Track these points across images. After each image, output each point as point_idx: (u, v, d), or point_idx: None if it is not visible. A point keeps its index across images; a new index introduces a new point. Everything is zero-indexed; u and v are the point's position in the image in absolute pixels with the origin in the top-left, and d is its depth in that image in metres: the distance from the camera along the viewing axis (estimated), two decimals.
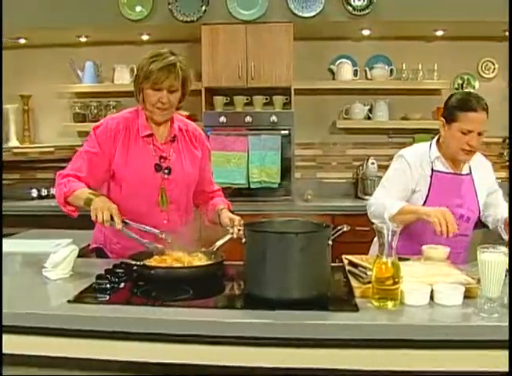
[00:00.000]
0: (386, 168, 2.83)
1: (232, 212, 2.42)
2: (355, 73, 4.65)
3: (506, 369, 1.59)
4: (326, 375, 1.64)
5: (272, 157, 4.25)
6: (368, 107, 4.66)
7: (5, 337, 1.66)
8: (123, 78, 4.72)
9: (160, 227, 2.30)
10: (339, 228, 1.84)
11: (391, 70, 4.64)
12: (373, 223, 2.07)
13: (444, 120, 2.55)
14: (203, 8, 4.21)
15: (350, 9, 4.14)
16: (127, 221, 2.19)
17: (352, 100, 4.67)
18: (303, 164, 4.86)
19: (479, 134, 2.46)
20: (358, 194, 4.68)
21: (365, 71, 4.69)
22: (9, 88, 4.77)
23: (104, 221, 2.13)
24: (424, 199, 2.54)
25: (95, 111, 4.82)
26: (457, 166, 2.61)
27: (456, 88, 4.74)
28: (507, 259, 1.65)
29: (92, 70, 4.74)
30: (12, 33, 4.44)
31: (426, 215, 2.32)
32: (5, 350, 1.67)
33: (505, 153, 4.69)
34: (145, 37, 4.61)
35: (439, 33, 4.48)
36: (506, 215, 2.56)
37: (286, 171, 4.30)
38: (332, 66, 4.72)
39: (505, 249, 1.66)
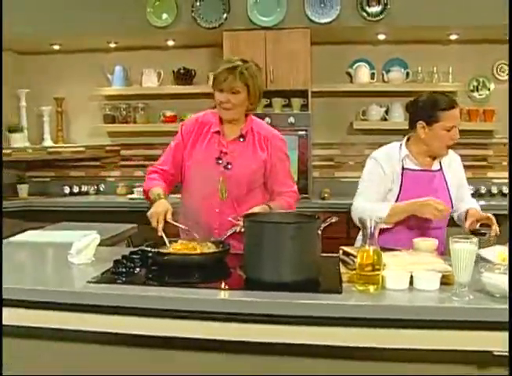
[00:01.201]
0: None
1: None
2: (372, 76, 4.81)
3: (473, 348, 1.78)
4: (312, 350, 1.85)
5: None
6: (384, 109, 4.81)
7: (31, 311, 1.93)
8: (150, 81, 4.96)
9: (212, 216, 2.59)
10: (328, 220, 2.04)
11: (407, 73, 4.78)
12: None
13: (423, 122, 2.66)
14: (225, 15, 4.44)
15: (365, 14, 4.31)
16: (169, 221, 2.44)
17: (369, 102, 4.82)
18: (321, 163, 5.05)
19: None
20: None
21: (382, 74, 4.85)
22: (44, 91, 5.09)
23: (154, 226, 2.41)
24: (396, 197, 2.67)
25: (124, 113, 5.08)
26: (427, 163, 2.73)
27: (472, 90, 4.86)
28: (476, 248, 1.83)
29: (122, 73, 5.00)
30: (47, 39, 4.74)
31: (419, 211, 2.49)
32: (31, 324, 1.95)
33: None
34: (170, 43, 4.86)
35: (453, 37, 4.60)
36: (468, 207, 2.71)
37: (303, 170, 4.49)
38: (350, 70, 4.89)
39: (475, 239, 1.84)
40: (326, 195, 4.65)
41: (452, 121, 2.61)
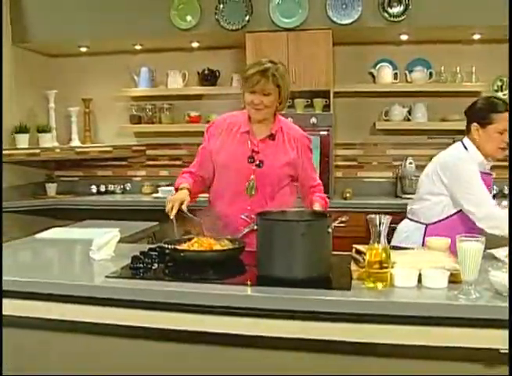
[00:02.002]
0: (424, 168, 3.07)
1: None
2: (395, 76, 4.81)
3: (479, 345, 1.80)
4: (321, 346, 1.89)
5: None
6: (407, 109, 4.82)
7: (49, 303, 2.03)
8: (176, 83, 5.05)
9: (243, 211, 2.65)
10: (339, 218, 2.09)
11: (430, 73, 4.78)
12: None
13: (477, 125, 2.77)
14: (247, 17, 4.50)
15: (386, 15, 4.32)
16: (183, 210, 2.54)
17: (392, 102, 4.82)
18: (344, 163, 5.08)
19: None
20: (397, 193, 4.85)
21: (405, 74, 4.85)
22: (72, 93, 5.23)
23: (168, 210, 2.52)
24: None
25: (150, 113, 5.17)
26: (487, 166, 2.88)
27: (496, 90, 4.82)
28: (483, 246, 1.86)
29: (147, 75, 5.09)
30: (75, 42, 4.86)
31: None
32: (48, 316, 2.05)
33: None
34: (195, 45, 4.94)
35: (476, 36, 4.58)
36: None
37: (325, 169, 4.52)
38: (372, 70, 4.91)
39: (482, 238, 1.86)
40: (347, 195, 4.68)
41: (505, 124, 2.72)
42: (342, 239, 2.34)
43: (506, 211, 2.69)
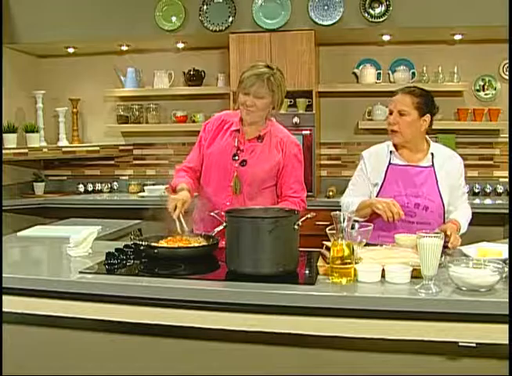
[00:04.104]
0: None
1: None
2: (378, 76, 4.87)
3: (439, 338, 1.86)
4: (284, 339, 1.95)
5: None
6: None
7: (25, 299, 2.09)
8: (162, 83, 5.09)
9: (223, 208, 2.59)
10: (306, 215, 2.15)
11: (413, 73, 4.83)
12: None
13: None
14: (231, 18, 4.55)
15: (367, 16, 4.38)
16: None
17: (375, 102, 4.87)
18: (328, 162, 5.14)
19: (401, 114, 2.75)
20: None
21: (388, 74, 4.91)
22: (60, 93, 5.29)
23: (170, 209, 2.54)
24: (378, 190, 2.79)
25: (137, 113, 5.22)
26: (414, 159, 2.82)
27: (478, 90, 4.89)
28: (442, 242, 1.92)
29: (134, 75, 5.14)
30: (62, 43, 4.91)
31: (375, 206, 2.61)
32: (23, 310, 2.12)
33: None
34: (180, 45, 4.98)
35: (458, 37, 4.62)
36: (451, 217, 2.77)
37: (307, 168, 4.56)
38: (356, 70, 4.96)
39: (441, 234, 1.92)
40: (331, 193, 4.74)
41: (391, 105, 2.81)
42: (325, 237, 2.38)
43: (354, 199, 2.78)
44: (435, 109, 2.86)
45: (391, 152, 2.83)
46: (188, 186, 2.72)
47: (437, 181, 2.78)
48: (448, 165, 2.84)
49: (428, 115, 2.79)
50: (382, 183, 2.80)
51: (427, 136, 2.87)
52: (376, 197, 2.76)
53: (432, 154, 2.82)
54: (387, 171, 2.80)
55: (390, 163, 2.82)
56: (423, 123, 2.77)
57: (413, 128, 2.76)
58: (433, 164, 2.81)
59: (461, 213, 2.82)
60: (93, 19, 4.70)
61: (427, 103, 2.78)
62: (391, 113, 2.81)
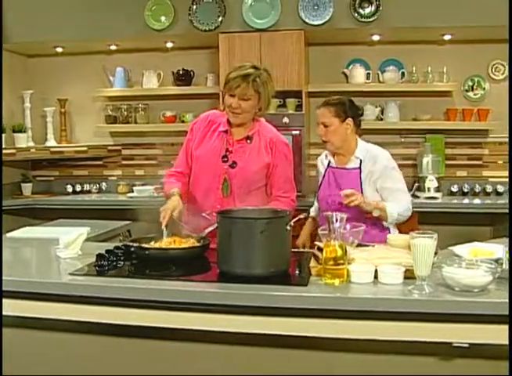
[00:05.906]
0: (397, 166, 3.08)
1: None
2: (368, 76, 4.87)
3: (432, 339, 1.86)
4: (277, 341, 1.94)
5: None
6: (379, 109, 4.87)
7: (12, 301, 2.06)
8: (151, 83, 5.06)
9: (213, 208, 2.59)
10: (298, 216, 2.14)
11: (403, 73, 4.83)
12: None
13: None
14: (220, 18, 4.53)
15: (357, 16, 4.37)
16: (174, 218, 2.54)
17: (364, 102, 4.86)
18: None
19: (325, 126, 2.98)
20: None
21: (378, 74, 4.90)
22: (48, 93, 5.24)
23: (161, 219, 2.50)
24: (317, 191, 3.15)
25: (126, 113, 5.18)
26: (342, 161, 3.05)
27: (467, 90, 4.90)
28: (435, 243, 1.91)
29: (123, 75, 5.10)
30: (50, 42, 4.86)
31: None
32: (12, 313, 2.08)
33: None
34: (169, 45, 4.95)
35: (447, 37, 4.64)
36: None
37: (297, 168, 4.56)
38: (345, 70, 4.96)
39: (434, 234, 1.92)
40: None
41: (317, 119, 3.02)
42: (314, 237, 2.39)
43: None
44: (357, 111, 3.15)
45: (326, 156, 3.13)
46: (178, 190, 2.68)
47: (361, 182, 2.95)
48: (371, 166, 2.96)
49: (350, 119, 2.99)
50: (319, 185, 3.11)
51: (358, 138, 3.07)
52: (317, 197, 3.17)
53: (357, 156, 3.00)
54: (324, 174, 3.10)
55: (328, 166, 3.10)
56: (347, 126, 2.98)
57: (339, 134, 2.98)
58: (360, 166, 2.98)
59: (390, 203, 2.90)
60: (82, 19, 4.66)
61: (343, 109, 3.01)
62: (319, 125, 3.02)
